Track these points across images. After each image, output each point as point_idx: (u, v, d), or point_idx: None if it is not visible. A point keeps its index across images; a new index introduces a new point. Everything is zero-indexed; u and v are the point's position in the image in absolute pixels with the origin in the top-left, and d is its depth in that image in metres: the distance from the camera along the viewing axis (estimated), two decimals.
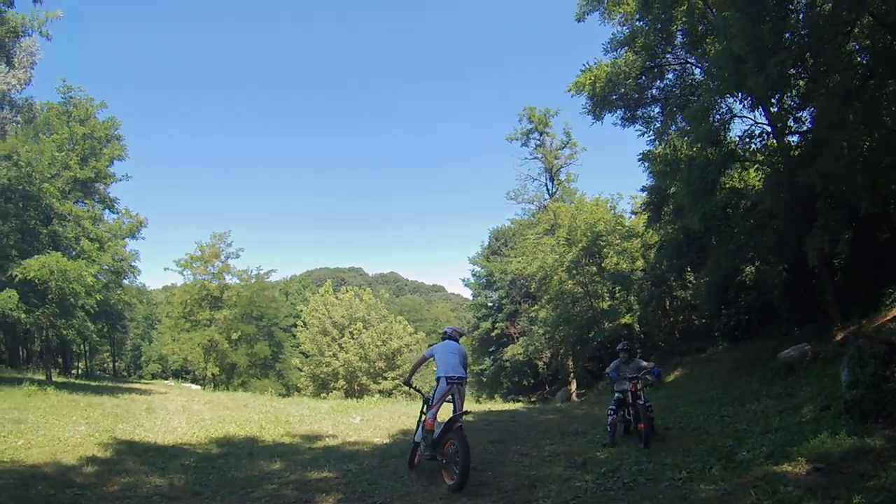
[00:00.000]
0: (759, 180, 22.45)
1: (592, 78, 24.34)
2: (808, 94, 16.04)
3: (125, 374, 65.06)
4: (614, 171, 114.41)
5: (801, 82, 16.47)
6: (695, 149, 19.52)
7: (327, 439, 13.78)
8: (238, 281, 50.96)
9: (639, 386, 11.27)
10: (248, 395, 29.56)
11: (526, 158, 45.49)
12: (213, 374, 47.43)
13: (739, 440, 9.84)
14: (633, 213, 37.70)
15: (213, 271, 49.46)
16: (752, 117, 19.07)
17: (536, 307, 39.03)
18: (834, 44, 13.92)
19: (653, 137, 24.06)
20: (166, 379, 52.92)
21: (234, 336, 48.35)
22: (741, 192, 23.18)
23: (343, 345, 44.60)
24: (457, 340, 10.17)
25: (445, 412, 9.23)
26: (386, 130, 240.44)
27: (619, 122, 25.35)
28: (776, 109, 17.82)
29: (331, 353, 44.81)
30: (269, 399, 26.91)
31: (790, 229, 18.24)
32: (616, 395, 11.73)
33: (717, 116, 18.48)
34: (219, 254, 49.78)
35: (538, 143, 45.00)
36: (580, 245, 33.21)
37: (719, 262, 21.30)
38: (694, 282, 30.56)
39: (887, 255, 18.78)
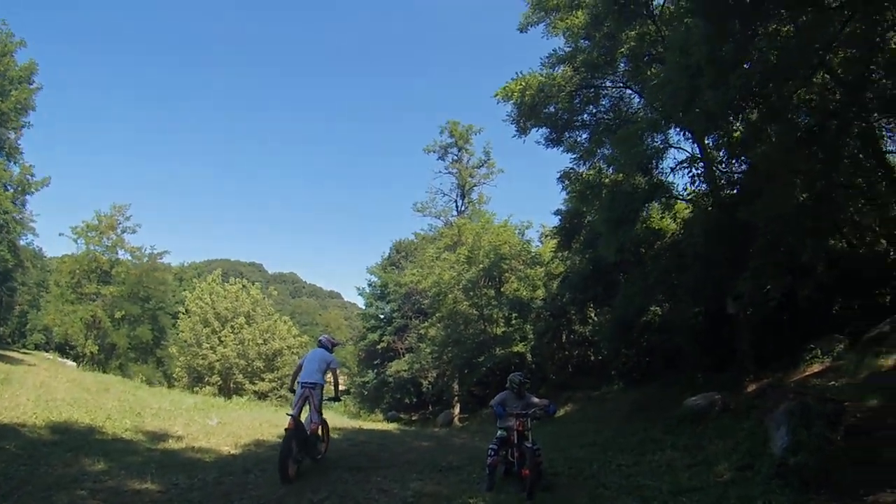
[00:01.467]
0: (681, 220, 21.53)
1: (524, 84, 22.93)
2: (760, 126, 14.91)
3: (9, 340, 60.42)
4: (529, 206, 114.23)
5: (753, 113, 15.38)
6: (621, 175, 18.22)
7: (172, 441, 12.67)
8: (130, 257, 49.84)
9: (528, 425, 9.52)
10: (116, 380, 27.28)
11: (440, 172, 44.33)
12: (91, 353, 45.44)
13: (644, 500, 8.46)
14: (540, 241, 36.99)
15: (108, 244, 48.05)
16: (690, 149, 18.06)
17: (426, 324, 37.63)
18: (803, 71, 12.82)
19: (577, 158, 22.87)
20: (47, 351, 48.68)
21: (118, 315, 47.39)
22: (657, 232, 22.26)
23: (222, 338, 42.10)
24: (327, 349, 11.17)
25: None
26: (302, 125, 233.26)
27: (544, 142, 23.95)
28: (717, 140, 16.84)
29: (209, 345, 42.12)
30: (135, 386, 25.07)
31: (711, 272, 17.12)
32: (499, 432, 9.94)
33: (651, 143, 17.28)
34: (115, 226, 48.47)
35: (455, 158, 43.88)
36: (481, 265, 31.98)
37: (631, 298, 19.99)
38: (595, 318, 29.45)
39: (806, 312, 17.96)
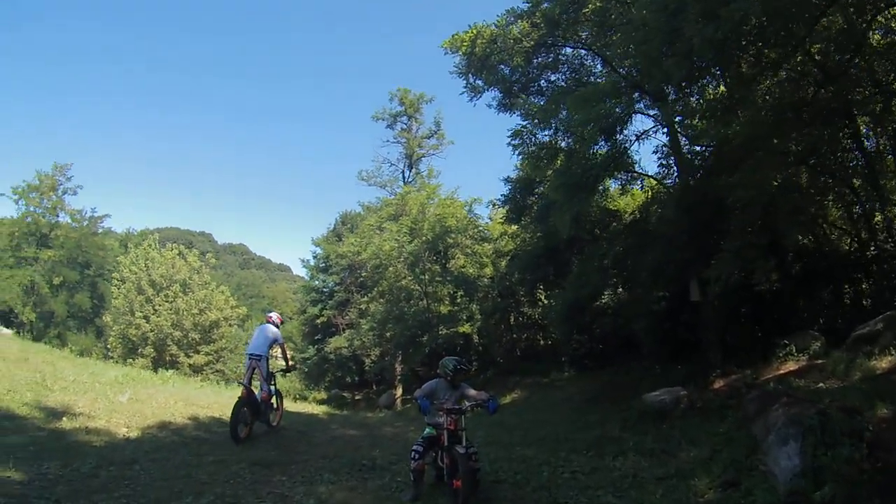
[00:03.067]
0: (641, 202, 19.88)
1: (474, 33, 20.73)
2: (748, 83, 13.21)
3: None
4: (480, 185, 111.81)
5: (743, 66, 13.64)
6: (582, 138, 16.07)
7: (66, 419, 10.90)
8: (70, 220, 48.28)
9: (461, 424, 7.54)
10: (43, 349, 24.66)
11: (388, 141, 42.23)
12: (29, 321, 44.19)
13: None
14: (489, 218, 34.85)
15: (47, 205, 46.53)
16: (655, 117, 16.26)
17: (366, 299, 35.64)
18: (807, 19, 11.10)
19: (533, 124, 20.14)
20: None
21: (56, 281, 45.78)
22: (614, 214, 20.59)
23: (156, 307, 39.64)
24: (275, 324, 12.28)
25: None
26: (250, 87, 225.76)
27: (496, 106, 22.00)
28: (687, 105, 15.10)
29: (142, 314, 39.56)
30: (61, 356, 22.31)
31: (674, 254, 15.46)
32: (426, 429, 8.00)
33: (614, 107, 15.25)
34: (56, 187, 46.91)
35: (405, 126, 41.62)
36: (424, 237, 29.92)
37: (584, 278, 18.21)
38: (546, 300, 27.77)
39: (769, 304, 16.68)
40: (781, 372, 13.29)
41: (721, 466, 8.25)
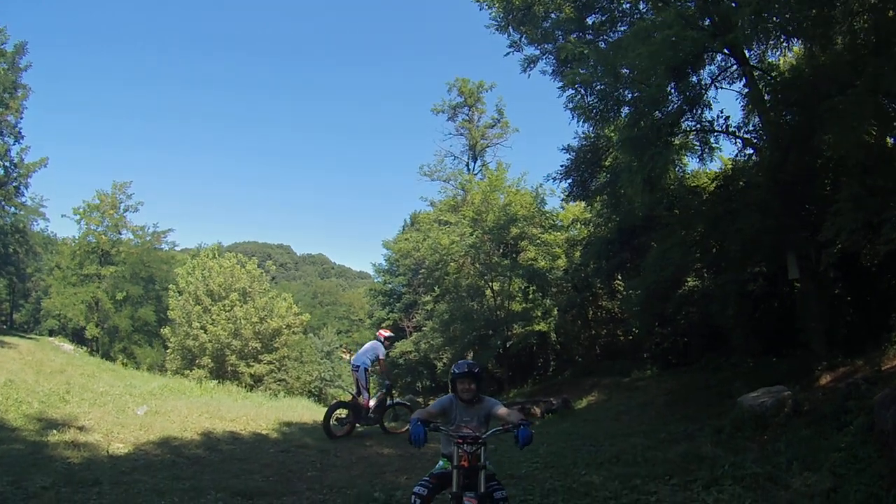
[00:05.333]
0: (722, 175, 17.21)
1: None
2: None
3: (25, 327, 58.99)
4: (549, 169, 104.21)
5: None
6: (647, 80, 13.38)
7: (56, 432, 10.11)
8: (132, 237, 48.66)
9: (482, 458, 5.10)
10: (87, 361, 25.38)
11: (450, 134, 40.42)
12: (93, 336, 45.22)
13: None
14: (562, 206, 31.78)
15: (109, 224, 46.71)
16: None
17: (428, 298, 33.91)
18: None
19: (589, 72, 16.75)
20: (54, 337, 46.95)
21: (119, 296, 46.37)
22: (694, 190, 17.87)
23: (214, 317, 38.58)
24: (380, 340, 13.88)
25: None
26: (326, 105, 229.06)
27: (550, 74, 19.39)
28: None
29: (199, 324, 38.58)
30: (105, 368, 23.23)
31: (768, 221, 12.89)
32: (440, 462, 5.58)
33: (685, 45, 12.53)
34: (117, 205, 46.98)
35: (466, 117, 39.56)
36: (487, 228, 27.87)
37: (664, 258, 15.63)
38: (624, 290, 24.95)
39: (881, 279, 14.07)
40: None
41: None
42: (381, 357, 13.45)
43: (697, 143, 16.74)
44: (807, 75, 11.91)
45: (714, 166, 18.41)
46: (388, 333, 14.52)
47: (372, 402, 13.22)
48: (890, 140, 11.49)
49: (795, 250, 13.00)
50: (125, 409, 13.20)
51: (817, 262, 12.83)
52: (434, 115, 40.43)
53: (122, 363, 33.40)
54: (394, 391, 14.31)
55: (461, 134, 39.28)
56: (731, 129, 14.87)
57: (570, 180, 21.93)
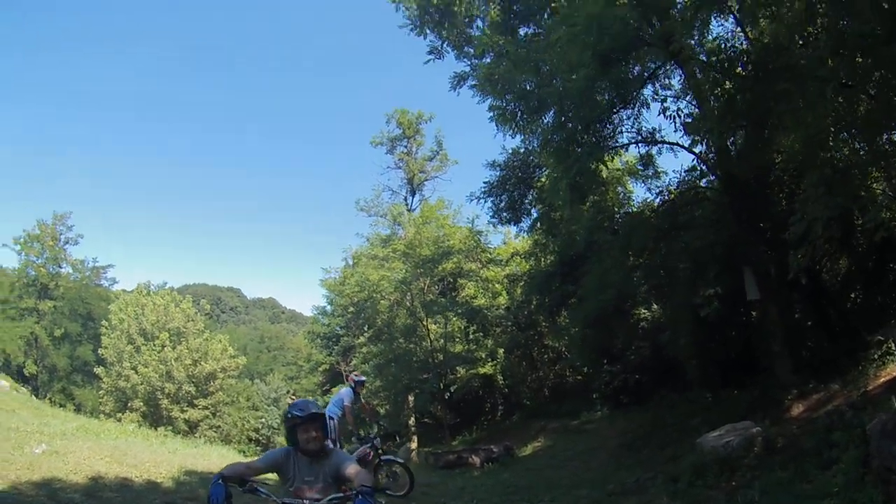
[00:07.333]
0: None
1: None
2: None
3: None
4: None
5: None
6: (570, 70, 11.58)
7: None
8: (72, 270, 48.37)
9: None
10: (19, 398, 23.70)
11: (389, 167, 38.46)
12: (31, 374, 43.37)
13: None
14: (503, 242, 30.59)
15: (48, 256, 45.83)
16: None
17: (362, 339, 31.84)
18: None
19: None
20: None
21: (58, 333, 44.73)
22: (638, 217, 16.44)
23: (146, 356, 36.77)
24: (351, 386, 12.20)
25: None
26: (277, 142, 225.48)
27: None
28: None
29: (130, 364, 36.71)
30: (24, 405, 21.05)
31: (721, 234, 11.54)
32: None
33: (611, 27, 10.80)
34: (57, 236, 46.31)
35: (405, 149, 37.93)
36: (418, 262, 25.89)
37: (605, 279, 14.09)
38: (567, 321, 22.53)
39: (843, 296, 13.51)
40: (881, 382, 9.40)
41: None
42: (346, 403, 11.64)
43: (641, 166, 15.53)
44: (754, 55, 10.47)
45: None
46: (359, 378, 12.59)
47: None
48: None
49: (752, 266, 11.61)
50: (23, 446, 11.85)
51: (778, 278, 11.59)
52: (373, 148, 38.86)
53: (58, 403, 31.18)
54: (379, 446, 11.41)
55: (399, 167, 37.72)
56: (673, 143, 13.41)
57: (494, 199, 20.22)
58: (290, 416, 4.15)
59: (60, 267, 46.84)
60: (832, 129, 9.29)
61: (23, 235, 44.92)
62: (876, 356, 10.49)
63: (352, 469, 4.03)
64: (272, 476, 4.42)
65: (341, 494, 3.91)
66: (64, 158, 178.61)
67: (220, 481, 3.76)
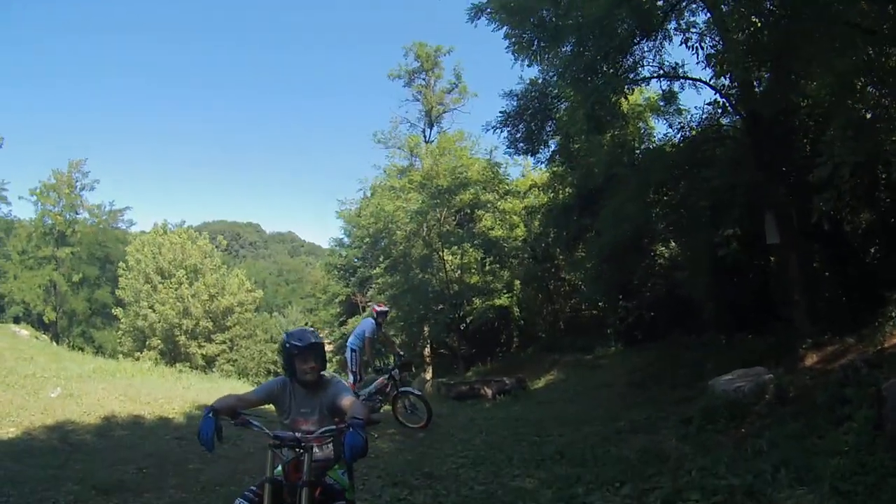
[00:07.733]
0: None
1: None
2: None
3: None
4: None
5: None
6: None
7: None
8: (88, 216, 47.50)
9: (305, 471, 3.71)
10: (37, 345, 22.94)
11: (407, 100, 37.68)
12: (51, 321, 43.69)
13: None
14: (522, 174, 30.11)
15: (65, 204, 45.64)
16: None
17: (377, 271, 31.93)
18: None
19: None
20: (18, 324, 45.02)
21: (76, 278, 45.17)
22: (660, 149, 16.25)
23: (162, 295, 37.17)
24: (372, 317, 11.74)
25: None
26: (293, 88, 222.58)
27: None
28: None
29: (147, 303, 37.03)
30: (42, 351, 20.45)
31: (742, 175, 11.41)
32: (277, 467, 3.94)
33: None
34: (73, 184, 45.89)
35: (423, 83, 37.24)
36: (433, 192, 25.86)
37: (622, 212, 13.92)
38: (584, 255, 22.17)
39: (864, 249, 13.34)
40: None
41: None
42: (367, 335, 11.33)
43: (662, 102, 15.15)
44: None
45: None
46: (381, 308, 12.14)
47: (366, 391, 11.07)
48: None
49: (774, 210, 11.33)
50: (39, 392, 12.31)
51: (799, 224, 11.28)
52: (390, 81, 38.04)
53: (77, 347, 31.58)
54: (397, 377, 11.27)
55: (417, 100, 37.00)
56: (695, 77, 12.99)
57: (511, 129, 19.16)
58: (287, 345, 4.08)
59: (77, 213, 46.73)
60: (862, 79, 8.97)
61: (39, 186, 44.94)
62: (893, 314, 10.24)
63: (346, 400, 4.03)
64: (270, 408, 4.44)
65: (334, 427, 3.87)
66: (77, 94, 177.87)
67: (210, 415, 3.73)
